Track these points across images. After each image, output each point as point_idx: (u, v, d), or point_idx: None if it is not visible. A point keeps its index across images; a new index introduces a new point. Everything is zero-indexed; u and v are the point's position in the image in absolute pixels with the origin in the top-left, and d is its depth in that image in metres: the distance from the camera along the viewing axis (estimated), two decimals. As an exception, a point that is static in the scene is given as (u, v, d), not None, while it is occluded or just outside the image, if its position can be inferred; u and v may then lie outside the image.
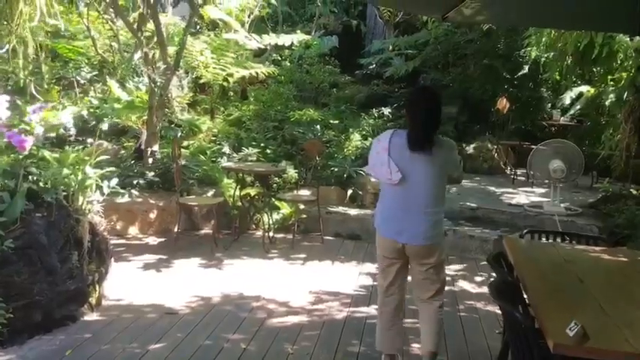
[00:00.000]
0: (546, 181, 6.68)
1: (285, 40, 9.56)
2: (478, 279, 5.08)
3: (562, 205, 6.48)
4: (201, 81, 8.52)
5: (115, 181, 4.41)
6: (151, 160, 6.45)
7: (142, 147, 6.63)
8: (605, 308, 2.33)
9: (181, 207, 5.60)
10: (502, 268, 2.87)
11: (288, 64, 10.19)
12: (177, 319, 3.88)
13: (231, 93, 9.38)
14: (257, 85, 9.54)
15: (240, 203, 6.03)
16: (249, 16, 9.45)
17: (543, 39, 7.34)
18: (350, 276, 4.97)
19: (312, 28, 11.16)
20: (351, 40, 11.77)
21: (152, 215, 5.91)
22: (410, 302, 3.56)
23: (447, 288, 3.25)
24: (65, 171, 3.87)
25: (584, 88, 8.45)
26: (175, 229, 5.59)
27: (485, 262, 4.39)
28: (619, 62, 6.77)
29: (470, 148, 9.03)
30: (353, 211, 6.39)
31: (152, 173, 6.14)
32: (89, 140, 6.33)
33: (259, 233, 6.03)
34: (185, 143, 7.16)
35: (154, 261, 5.09)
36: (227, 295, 4.37)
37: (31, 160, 3.75)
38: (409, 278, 3.21)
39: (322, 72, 10.02)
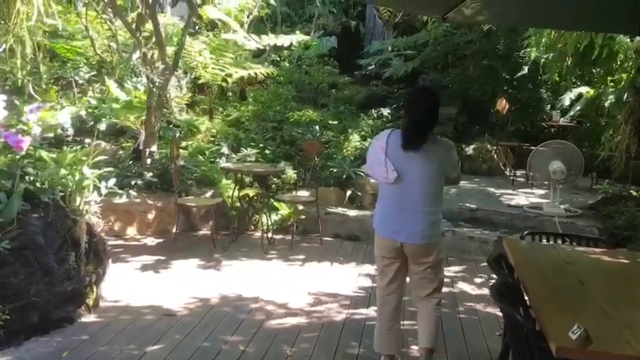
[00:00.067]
0: (546, 182, 6.66)
1: (284, 40, 9.56)
2: (478, 280, 5.06)
3: (562, 206, 6.47)
4: (200, 81, 8.51)
5: (112, 181, 4.39)
6: (149, 161, 6.43)
7: (141, 147, 6.62)
8: (605, 310, 2.32)
9: (180, 207, 5.59)
10: (503, 270, 2.86)
11: (287, 64, 10.20)
12: (175, 320, 3.86)
13: (230, 93, 9.38)
14: (256, 86, 9.54)
15: (238, 204, 6.00)
16: (248, 17, 9.45)
17: (543, 40, 7.32)
18: (349, 277, 4.95)
19: (311, 28, 11.16)
20: (350, 41, 11.76)
21: (150, 216, 5.89)
22: (409, 304, 3.55)
23: (446, 289, 3.25)
24: (62, 171, 3.85)
25: (584, 89, 8.44)
26: (174, 230, 5.58)
27: (484, 264, 4.39)
28: (619, 63, 6.76)
29: (469, 149, 9.01)
30: (352, 212, 6.37)
31: (150, 174, 6.11)
32: (87, 140, 6.32)
33: (258, 234, 6.00)
34: (184, 144, 7.15)
35: (152, 262, 5.07)
36: (225, 296, 4.35)
37: (28, 161, 3.73)
38: (408, 279, 3.20)
39: (321, 72, 10.02)
